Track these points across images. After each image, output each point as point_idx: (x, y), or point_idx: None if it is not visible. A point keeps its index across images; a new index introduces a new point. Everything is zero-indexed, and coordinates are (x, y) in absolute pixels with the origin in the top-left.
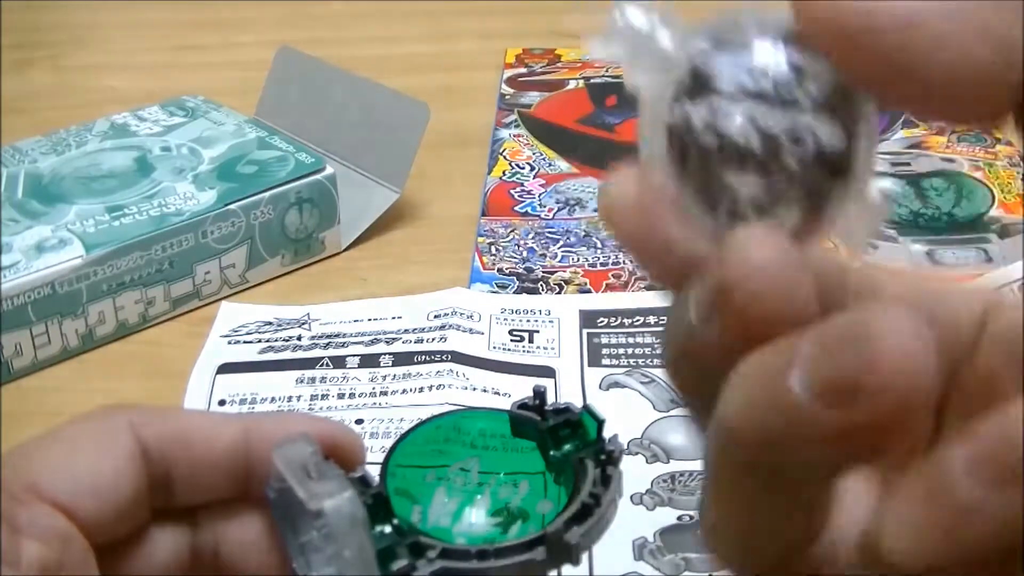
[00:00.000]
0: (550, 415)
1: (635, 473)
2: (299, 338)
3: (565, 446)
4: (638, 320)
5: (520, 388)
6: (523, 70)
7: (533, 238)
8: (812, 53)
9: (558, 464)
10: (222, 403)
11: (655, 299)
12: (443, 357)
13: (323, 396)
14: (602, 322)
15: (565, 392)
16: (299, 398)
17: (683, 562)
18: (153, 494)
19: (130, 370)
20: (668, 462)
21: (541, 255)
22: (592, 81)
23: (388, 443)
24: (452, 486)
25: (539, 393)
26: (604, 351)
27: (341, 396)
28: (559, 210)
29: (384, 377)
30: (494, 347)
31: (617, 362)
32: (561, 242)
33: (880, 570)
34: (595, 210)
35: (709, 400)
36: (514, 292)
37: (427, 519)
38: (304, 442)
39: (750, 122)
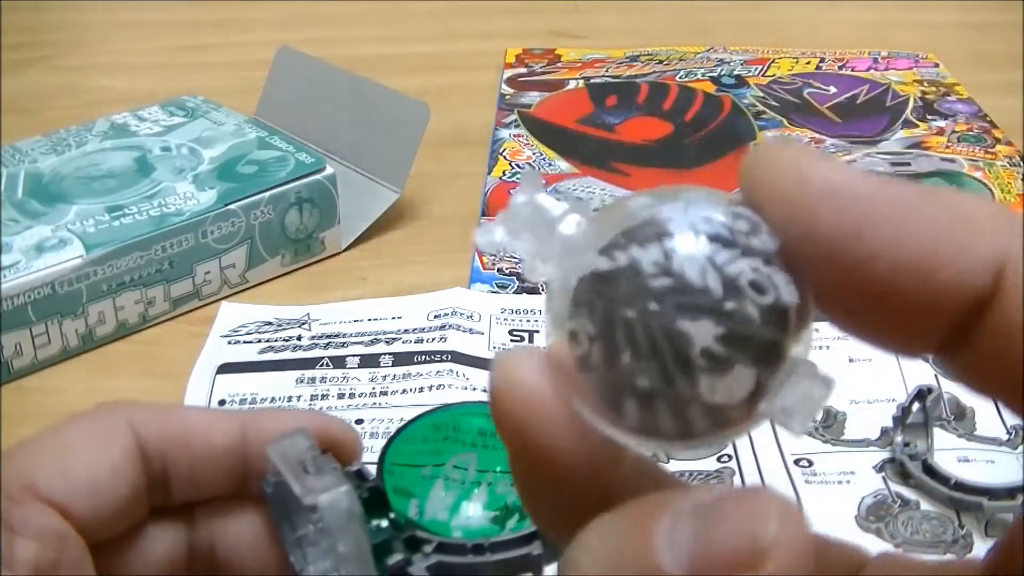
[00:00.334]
0: None
1: None
2: (299, 338)
3: None
4: None
5: None
6: (523, 70)
7: None
8: (755, 213)
9: None
10: (222, 403)
11: None
12: (443, 357)
13: (323, 396)
14: None
15: None
16: (299, 398)
17: None
18: (151, 492)
19: (130, 370)
20: (668, 462)
21: None
22: (592, 81)
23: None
24: (449, 481)
25: None
26: None
27: (341, 396)
28: None
29: (384, 377)
30: (494, 347)
31: None
32: None
33: None
34: (596, 210)
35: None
36: (514, 292)
37: (424, 513)
38: (301, 437)
39: (710, 263)
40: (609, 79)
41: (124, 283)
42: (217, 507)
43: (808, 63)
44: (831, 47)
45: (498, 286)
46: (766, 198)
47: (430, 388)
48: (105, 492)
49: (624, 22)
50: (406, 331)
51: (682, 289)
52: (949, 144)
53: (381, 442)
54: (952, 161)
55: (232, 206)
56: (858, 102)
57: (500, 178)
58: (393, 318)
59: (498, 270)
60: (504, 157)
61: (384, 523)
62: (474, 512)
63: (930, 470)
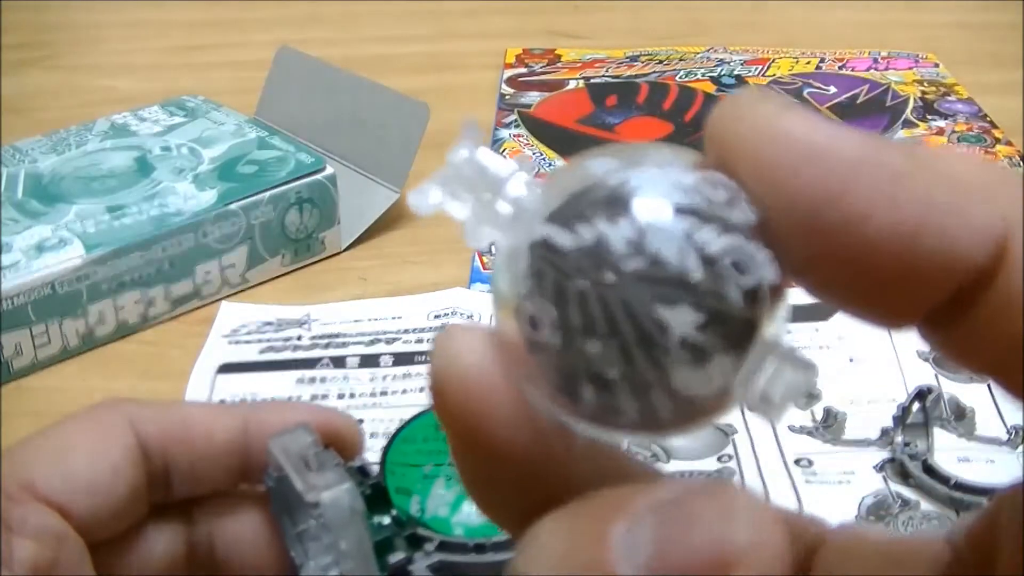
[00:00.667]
0: None
1: None
2: (299, 338)
3: None
4: None
5: None
6: (523, 70)
7: None
8: (731, 179)
9: None
10: (222, 403)
11: None
12: None
13: (323, 396)
14: None
15: None
16: (299, 398)
17: None
18: (152, 489)
19: (130, 370)
20: (668, 461)
21: None
22: (592, 81)
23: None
24: (451, 479)
25: None
26: None
27: (341, 396)
28: None
29: (384, 377)
30: None
31: None
32: None
33: None
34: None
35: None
36: None
37: (425, 510)
38: (303, 432)
39: (688, 240)
40: (609, 79)
41: (124, 283)
42: (217, 506)
43: (808, 63)
44: (831, 47)
45: None
46: (740, 162)
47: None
48: (104, 492)
49: (624, 22)
50: (406, 331)
51: (658, 271)
52: (949, 144)
53: (381, 442)
54: None
55: (232, 206)
56: (858, 102)
57: None
58: (393, 318)
59: None
60: (504, 157)
61: (386, 520)
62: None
63: (930, 470)
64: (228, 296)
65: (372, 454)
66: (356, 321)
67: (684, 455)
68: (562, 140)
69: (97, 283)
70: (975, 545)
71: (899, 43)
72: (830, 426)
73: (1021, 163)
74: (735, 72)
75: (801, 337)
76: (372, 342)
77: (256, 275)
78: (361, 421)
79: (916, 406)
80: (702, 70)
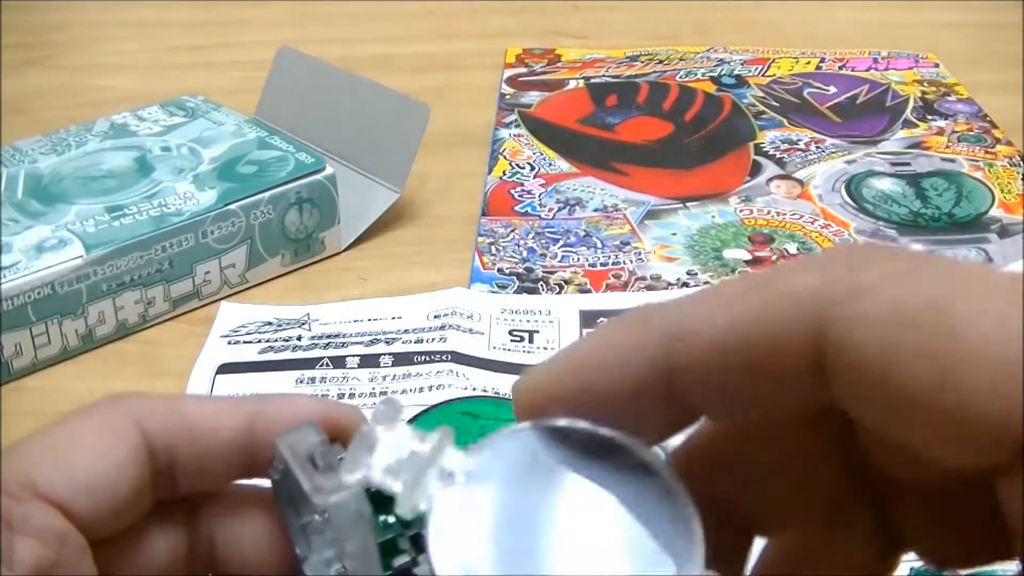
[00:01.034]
0: None
1: None
2: (299, 338)
3: None
4: None
5: None
6: (523, 70)
7: (533, 238)
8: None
9: None
10: (227, 396)
11: (654, 299)
12: (443, 357)
13: (323, 396)
14: (602, 322)
15: None
16: None
17: None
18: (155, 485)
19: (130, 370)
20: None
21: (541, 255)
22: (592, 81)
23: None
24: None
25: None
26: None
27: (341, 396)
28: (559, 210)
29: (384, 377)
30: (494, 347)
31: None
32: (561, 242)
33: None
34: (596, 210)
35: None
36: (514, 292)
37: None
38: (310, 431)
39: None
40: (609, 79)
41: (124, 283)
42: (219, 504)
43: (808, 63)
44: (831, 47)
45: (498, 286)
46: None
47: (430, 388)
48: (108, 490)
49: (624, 22)
50: (406, 331)
51: None
52: (949, 144)
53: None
54: (952, 161)
55: (232, 206)
56: (858, 102)
57: (500, 178)
58: (393, 318)
59: (498, 270)
60: (504, 157)
61: (391, 519)
62: None
63: None
64: (228, 296)
65: None
66: (356, 321)
67: None
68: (562, 140)
69: (97, 283)
70: None
71: (899, 43)
72: None
73: (1021, 163)
74: (735, 72)
75: None
76: (372, 342)
77: (256, 275)
78: None
79: None
80: (702, 70)
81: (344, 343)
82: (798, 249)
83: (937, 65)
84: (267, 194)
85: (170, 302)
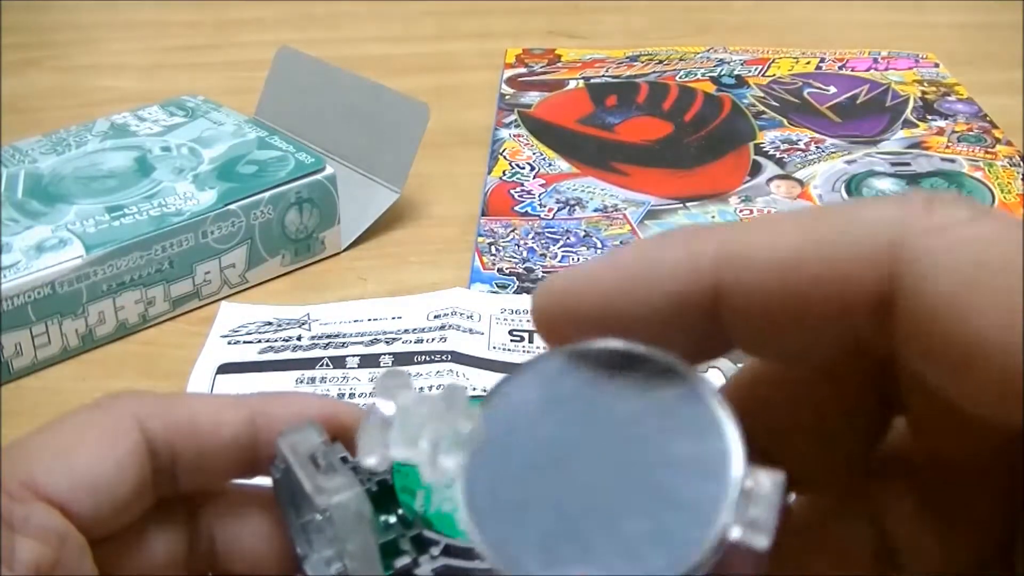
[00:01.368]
0: None
1: None
2: (299, 338)
3: None
4: None
5: None
6: (523, 70)
7: (533, 238)
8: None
9: None
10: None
11: None
12: (443, 357)
13: (323, 396)
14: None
15: None
16: None
17: None
18: (157, 484)
19: (130, 370)
20: None
21: (541, 255)
22: (592, 81)
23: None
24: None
25: None
26: None
27: (341, 396)
28: (559, 210)
29: None
30: (494, 347)
31: None
32: (561, 242)
33: None
34: (596, 210)
35: None
36: (514, 292)
37: (430, 503)
38: (312, 431)
39: None
40: (609, 79)
41: (124, 283)
42: (219, 503)
43: (808, 63)
44: (831, 47)
45: (498, 286)
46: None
47: (430, 388)
48: (108, 489)
49: (624, 22)
50: (406, 331)
51: None
52: (949, 144)
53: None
54: (952, 161)
55: (232, 206)
56: (858, 102)
57: (500, 178)
58: (393, 318)
59: (498, 270)
60: (504, 157)
61: (392, 519)
62: None
63: None
64: (228, 296)
65: None
66: (356, 321)
67: None
68: (562, 140)
69: (97, 283)
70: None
71: (899, 43)
72: None
73: (1021, 163)
74: (735, 72)
75: None
76: (372, 342)
77: (256, 275)
78: None
79: None
80: (702, 70)
81: (344, 343)
82: None
83: (937, 65)
84: (267, 194)
85: (170, 302)
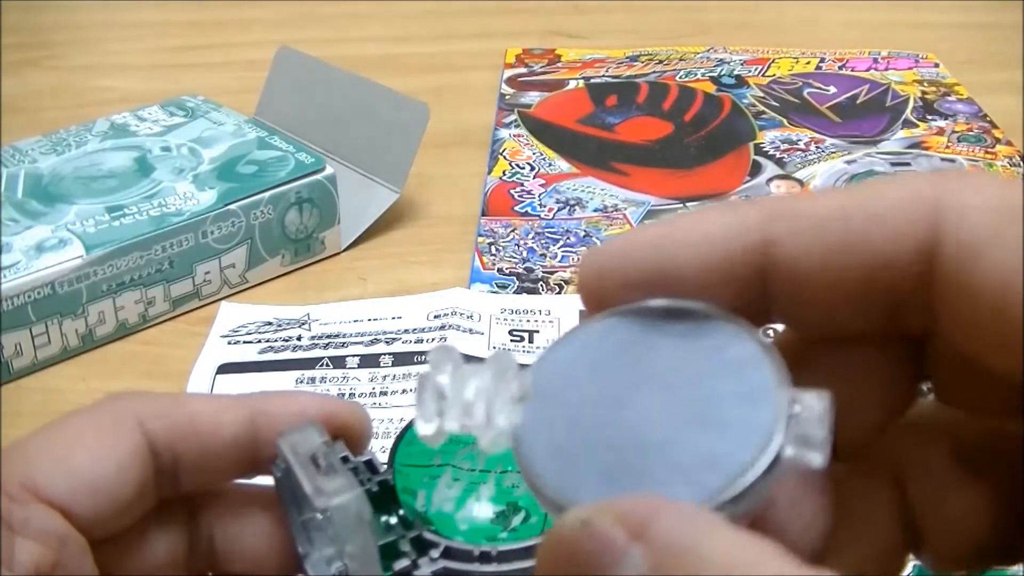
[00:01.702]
0: None
1: None
2: (299, 338)
3: None
4: None
5: None
6: (523, 70)
7: (533, 238)
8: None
9: None
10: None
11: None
12: None
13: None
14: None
15: None
16: None
17: None
18: (158, 485)
19: (130, 370)
20: None
21: (541, 255)
22: (592, 81)
23: (388, 443)
24: (457, 471)
25: None
26: None
27: (341, 396)
28: (559, 210)
29: (384, 377)
30: (494, 347)
31: None
32: (561, 242)
33: None
34: (596, 210)
35: None
36: (514, 292)
37: (431, 504)
38: (312, 431)
39: None
40: (609, 79)
41: (124, 283)
42: (219, 504)
43: (808, 63)
44: (831, 47)
45: (498, 286)
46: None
47: None
48: (109, 491)
49: (624, 22)
50: (406, 331)
51: None
52: (949, 144)
53: (381, 442)
54: (952, 161)
55: (232, 206)
56: (858, 102)
57: (500, 178)
58: (393, 318)
59: (498, 270)
60: (504, 157)
61: (393, 519)
62: (480, 505)
63: None
64: (228, 296)
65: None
66: (356, 321)
67: None
68: (562, 140)
69: (97, 283)
70: None
71: (899, 43)
72: None
73: (1021, 163)
74: (735, 72)
75: None
76: (372, 342)
77: (256, 275)
78: None
79: None
80: (702, 70)
81: (344, 343)
82: None
83: (937, 65)
84: (267, 194)
85: (170, 302)
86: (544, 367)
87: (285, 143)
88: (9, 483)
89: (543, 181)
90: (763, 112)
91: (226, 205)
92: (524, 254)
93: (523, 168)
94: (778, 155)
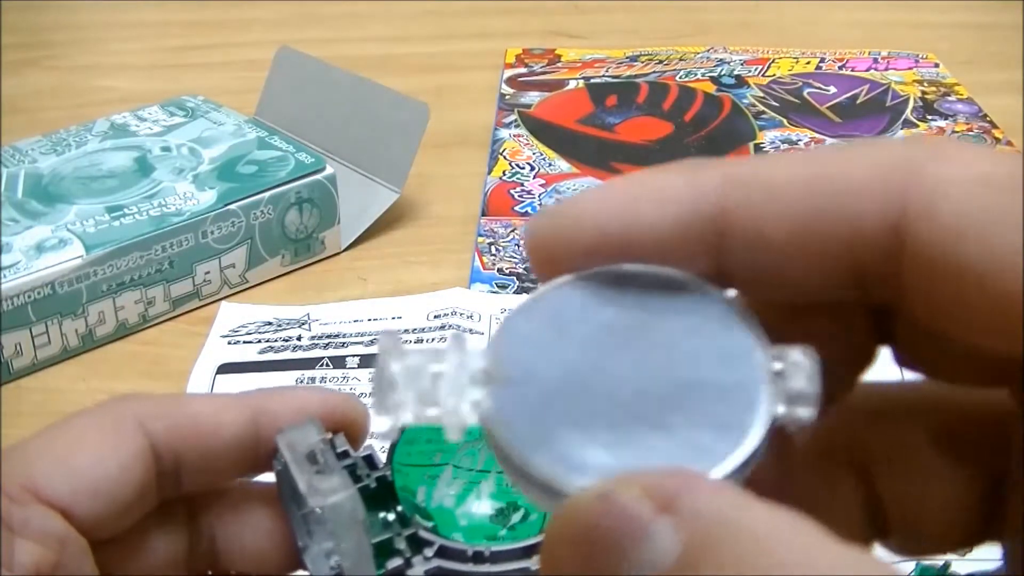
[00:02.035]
0: None
1: None
2: (299, 338)
3: None
4: None
5: None
6: (523, 70)
7: None
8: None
9: None
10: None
11: None
12: None
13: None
14: None
15: None
16: None
17: None
18: (160, 485)
19: (130, 370)
20: None
21: None
22: (592, 81)
23: (387, 442)
24: (458, 470)
25: None
26: None
27: None
28: None
29: None
30: None
31: None
32: None
33: None
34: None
35: None
36: (514, 292)
37: (431, 499)
38: (311, 428)
39: None
40: (609, 79)
41: (124, 283)
42: (219, 503)
43: (808, 63)
44: (831, 47)
45: (498, 286)
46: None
47: None
48: (110, 493)
49: (624, 22)
50: (406, 331)
51: None
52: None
53: (381, 442)
54: None
55: (232, 206)
56: (858, 102)
57: (500, 178)
58: (393, 318)
59: (498, 270)
60: (504, 157)
61: (391, 516)
62: (480, 503)
63: None
64: (228, 296)
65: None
66: (356, 321)
67: None
68: (562, 140)
69: (97, 283)
70: None
71: (899, 43)
72: None
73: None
74: (735, 72)
75: None
76: (372, 342)
77: (256, 275)
78: None
79: None
80: (702, 70)
81: (344, 343)
82: None
83: (937, 65)
84: (267, 194)
85: (170, 302)
86: (505, 342)
87: (285, 143)
88: (9, 484)
89: (543, 181)
90: (763, 112)
91: (226, 205)
92: (524, 254)
93: (523, 168)
94: None
